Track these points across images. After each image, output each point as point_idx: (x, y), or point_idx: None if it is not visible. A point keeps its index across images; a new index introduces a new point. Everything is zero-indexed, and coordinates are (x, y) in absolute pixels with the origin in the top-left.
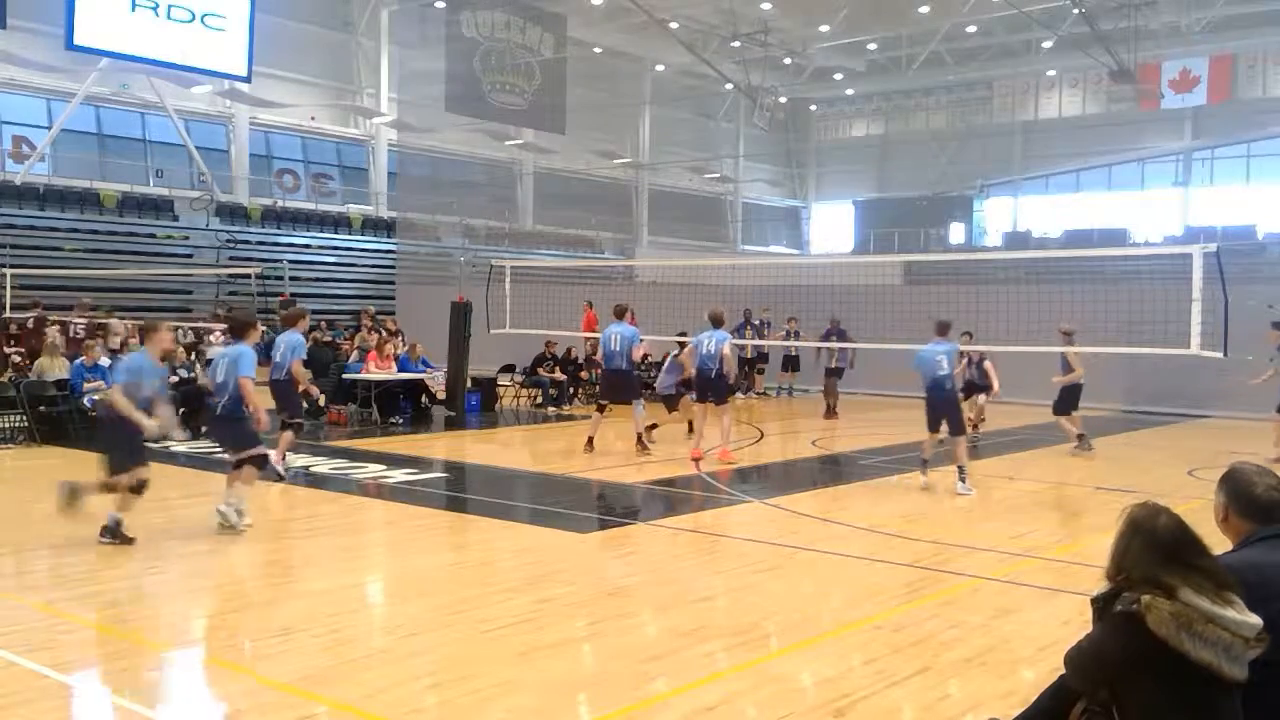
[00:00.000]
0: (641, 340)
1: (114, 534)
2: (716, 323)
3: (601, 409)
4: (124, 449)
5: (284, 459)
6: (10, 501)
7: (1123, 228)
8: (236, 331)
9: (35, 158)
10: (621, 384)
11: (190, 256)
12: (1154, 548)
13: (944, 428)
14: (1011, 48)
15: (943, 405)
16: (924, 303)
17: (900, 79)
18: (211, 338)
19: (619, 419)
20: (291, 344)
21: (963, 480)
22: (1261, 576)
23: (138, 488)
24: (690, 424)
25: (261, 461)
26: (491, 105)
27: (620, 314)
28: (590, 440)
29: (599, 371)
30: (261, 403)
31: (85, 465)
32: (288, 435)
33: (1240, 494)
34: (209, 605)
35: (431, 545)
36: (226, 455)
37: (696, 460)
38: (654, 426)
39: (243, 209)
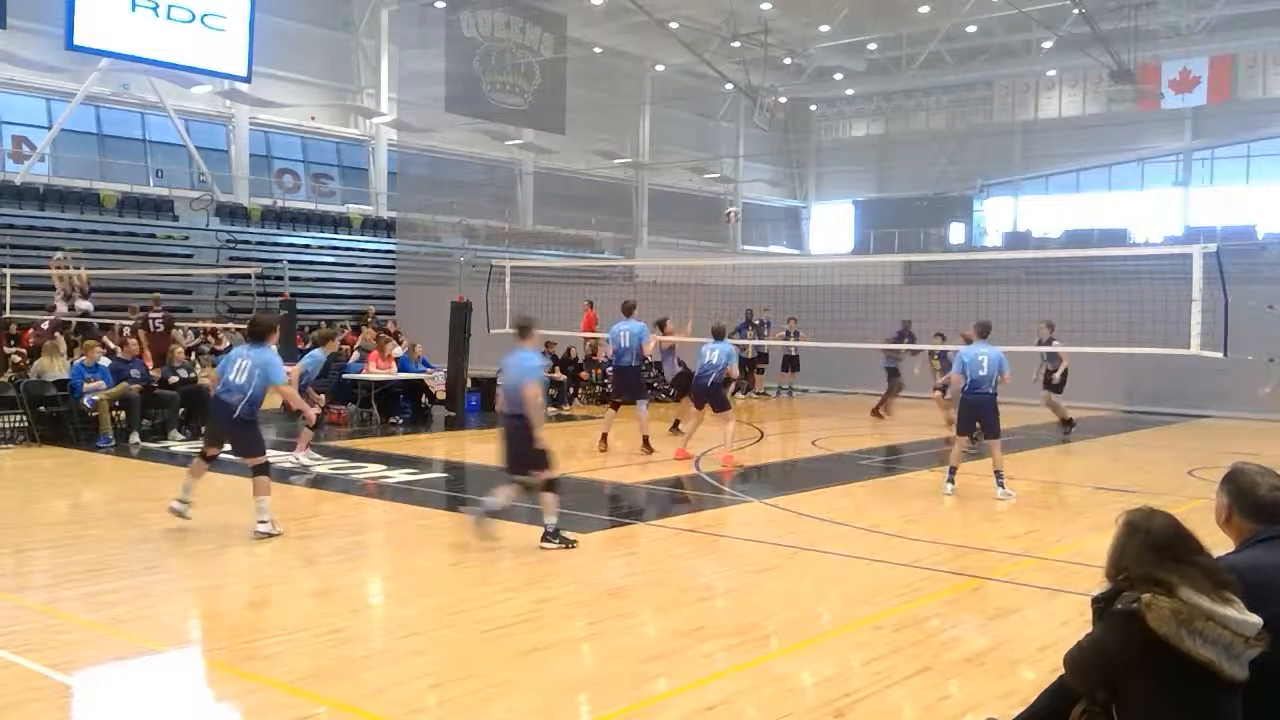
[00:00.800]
0: (652, 336)
1: (557, 538)
2: (718, 335)
3: (615, 406)
4: (530, 452)
5: (305, 452)
6: (10, 501)
7: (1123, 228)
8: (258, 334)
9: (35, 158)
10: (634, 381)
11: (190, 256)
12: (1151, 546)
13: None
14: (1011, 48)
15: (980, 408)
16: (924, 303)
17: (900, 79)
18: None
19: (619, 419)
20: (307, 360)
21: (1001, 485)
22: (1263, 577)
23: (553, 485)
24: (676, 422)
25: (266, 468)
26: (491, 105)
27: (629, 311)
28: (604, 437)
29: (599, 371)
30: (303, 401)
31: (84, 465)
32: (306, 433)
33: (1244, 494)
34: (209, 605)
35: (431, 545)
36: (235, 458)
37: (687, 459)
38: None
39: (243, 209)
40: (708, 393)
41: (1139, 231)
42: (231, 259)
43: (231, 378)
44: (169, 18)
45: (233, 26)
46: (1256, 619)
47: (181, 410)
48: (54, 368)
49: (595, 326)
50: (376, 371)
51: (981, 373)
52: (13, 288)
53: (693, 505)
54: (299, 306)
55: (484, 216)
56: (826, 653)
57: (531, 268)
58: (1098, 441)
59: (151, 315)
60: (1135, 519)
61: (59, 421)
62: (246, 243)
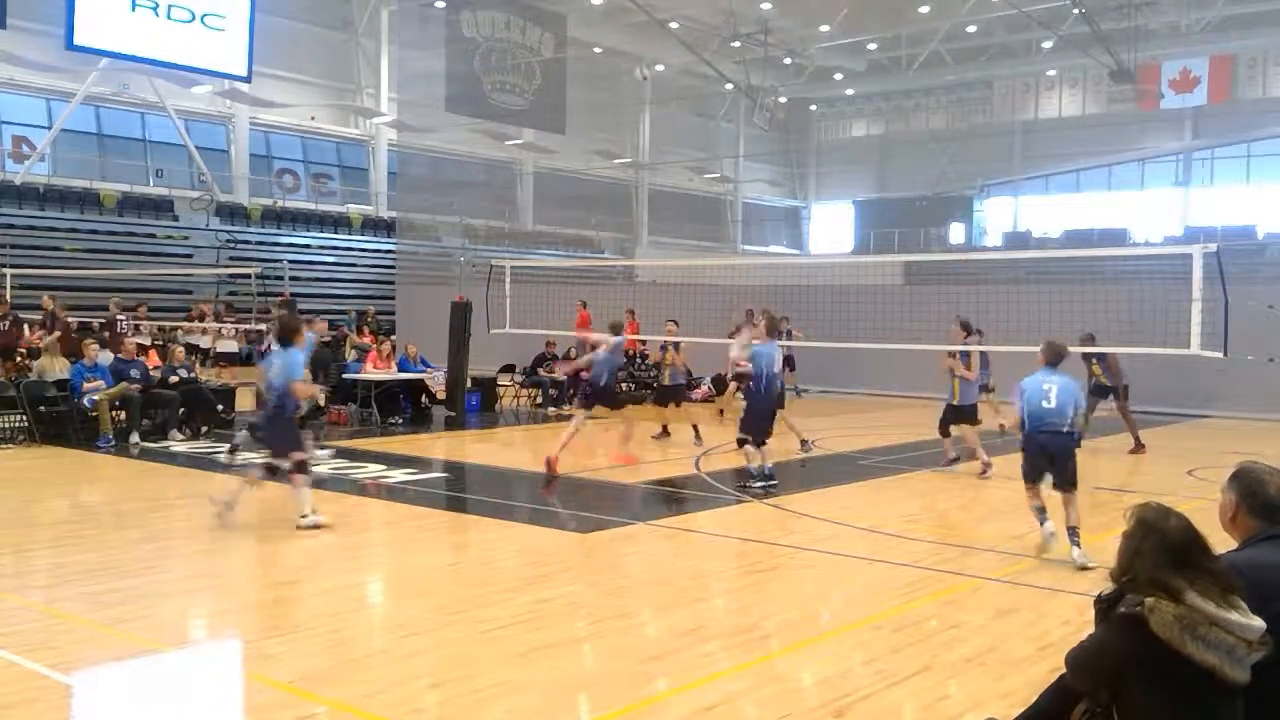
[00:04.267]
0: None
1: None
2: (617, 331)
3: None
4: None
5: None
6: (10, 501)
7: (1123, 228)
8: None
9: (35, 158)
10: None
11: (190, 256)
12: (1165, 550)
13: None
14: (1011, 48)
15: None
16: (924, 303)
17: (900, 79)
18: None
19: (621, 419)
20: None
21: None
22: (1264, 575)
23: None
24: (665, 426)
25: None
26: (491, 105)
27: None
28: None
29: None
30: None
31: (85, 465)
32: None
33: (1253, 493)
34: (209, 605)
35: (431, 545)
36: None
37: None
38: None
39: (243, 209)
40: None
41: (1139, 231)
42: (231, 259)
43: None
44: (169, 18)
45: (233, 26)
46: (1260, 623)
47: (181, 410)
48: (54, 368)
49: (590, 326)
50: (376, 371)
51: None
52: (13, 288)
53: (693, 505)
54: (299, 307)
55: (484, 216)
56: (826, 653)
57: (531, 268)
58: (1100, 441)
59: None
60: (1150, 518)
61: (59, 421)
62: (246, 243)
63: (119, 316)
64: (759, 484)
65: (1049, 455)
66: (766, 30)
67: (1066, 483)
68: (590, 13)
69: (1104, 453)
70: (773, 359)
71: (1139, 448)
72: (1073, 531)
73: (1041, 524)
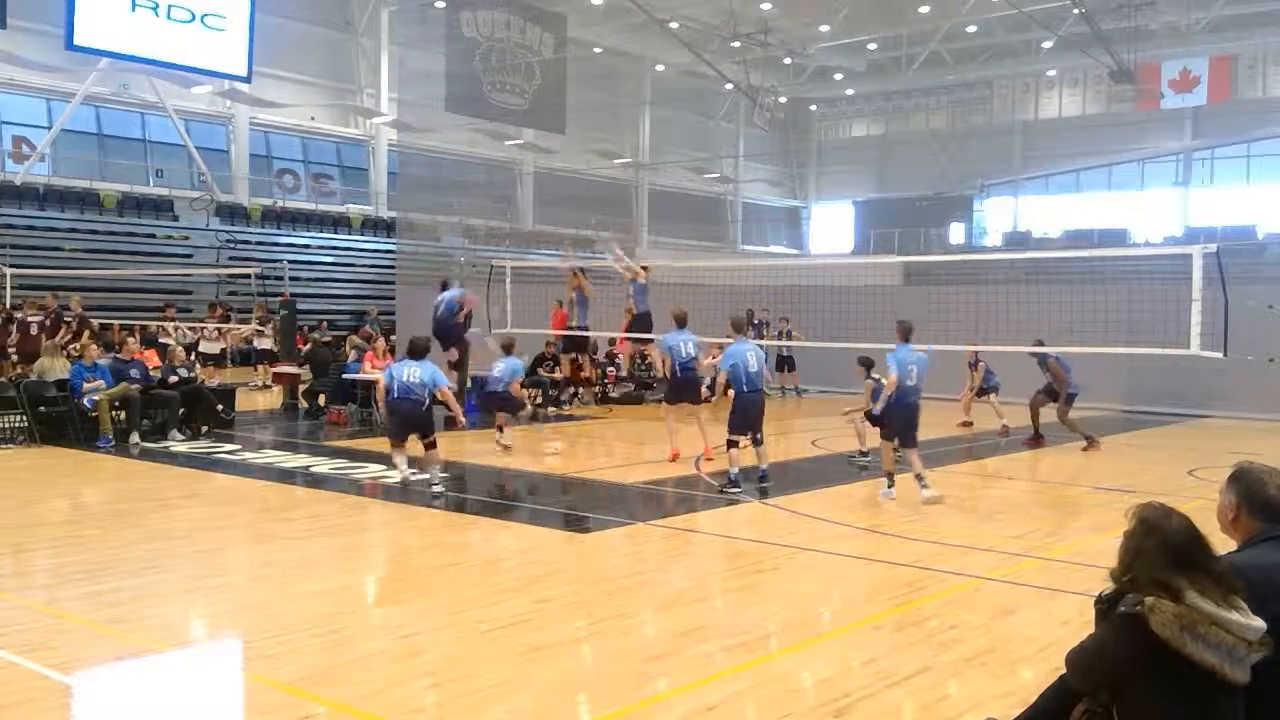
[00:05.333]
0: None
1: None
2: (682, 323)
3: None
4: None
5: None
6: (10, 501)
7: (1123, 228)
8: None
9: (35, 158)
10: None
11: (190, 256)
12: (1165, 549)
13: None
14: (1011, 48)
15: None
16: (924, 303)
17: (900, 79)
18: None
19: (621, 419)
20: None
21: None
22: (1265, 576)
23: None
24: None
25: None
26: (491, 105)
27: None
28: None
29: (598, 371)
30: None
31: (85, 465)
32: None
33: (1253, 493)
34: (209, 605)
35: (431, 545)
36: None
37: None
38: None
39: (243, 209)
40: (694, 387)
41: (1139, 231)
42: (231, 259)
43: (413, 381)
44: (169, 18)
45: (233, 26)
46: (1260, 623)
47: (181, 410)
48: (54, 368)
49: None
50: (374, 371)
51: (910, 382)
52: (13, 288)
53: (692, 505)
54: (299, 306)
55: (484, 216)
56: (826, 653)
57: (531, 268)
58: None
59: (30, 317)
60: (1151, 518)
61: (59, 421)
62: (246, 243)
63: (82, 312)
64: (729, 488)
65: (911, 422)
66: (766, 30)
67: (915, 441)
68: (590, 13)
69: (1104, 454)
70: (746, 358)
71: (1036, 439)
72: (920, 477)
73: (890, 487)
